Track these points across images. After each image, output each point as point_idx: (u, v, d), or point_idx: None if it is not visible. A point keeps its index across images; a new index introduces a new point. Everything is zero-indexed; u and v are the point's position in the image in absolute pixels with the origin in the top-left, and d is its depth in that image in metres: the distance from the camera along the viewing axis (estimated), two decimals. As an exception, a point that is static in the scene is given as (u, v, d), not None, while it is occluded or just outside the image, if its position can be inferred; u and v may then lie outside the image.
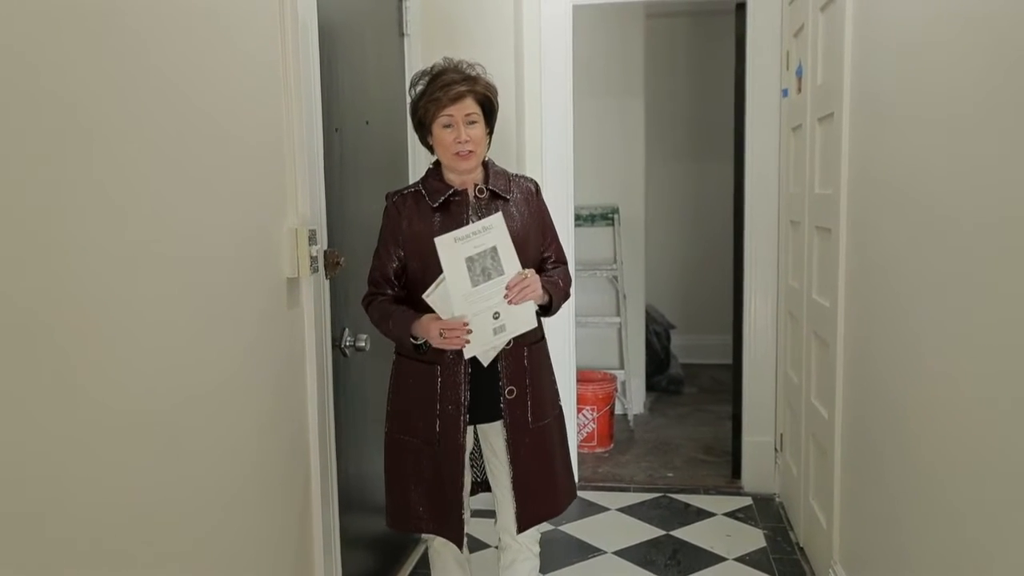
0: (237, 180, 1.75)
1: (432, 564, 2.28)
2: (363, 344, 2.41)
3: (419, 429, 2.08)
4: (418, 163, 3.00)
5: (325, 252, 2.20)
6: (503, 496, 2.12)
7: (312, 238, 2.06)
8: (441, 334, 1.95)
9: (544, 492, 2.13)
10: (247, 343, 1.81)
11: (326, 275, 2.21)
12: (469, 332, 1.93)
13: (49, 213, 1.18)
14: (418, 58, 3.04)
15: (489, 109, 2.07)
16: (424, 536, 2.38)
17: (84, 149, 1.25)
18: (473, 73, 2.05)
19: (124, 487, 1.36)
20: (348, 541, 2.42)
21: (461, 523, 2.08)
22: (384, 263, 2.13)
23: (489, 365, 2.05)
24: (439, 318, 1.97)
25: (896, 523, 2.00)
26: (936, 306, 1.73)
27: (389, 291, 2.13)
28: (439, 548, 2.22)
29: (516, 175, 2.19)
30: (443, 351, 2.02)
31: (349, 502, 2.44)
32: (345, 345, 2.38)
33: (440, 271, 1.95)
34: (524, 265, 2.02)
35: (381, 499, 2.73)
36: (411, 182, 2.51)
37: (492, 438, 2.12)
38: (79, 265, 1.25)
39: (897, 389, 2.01)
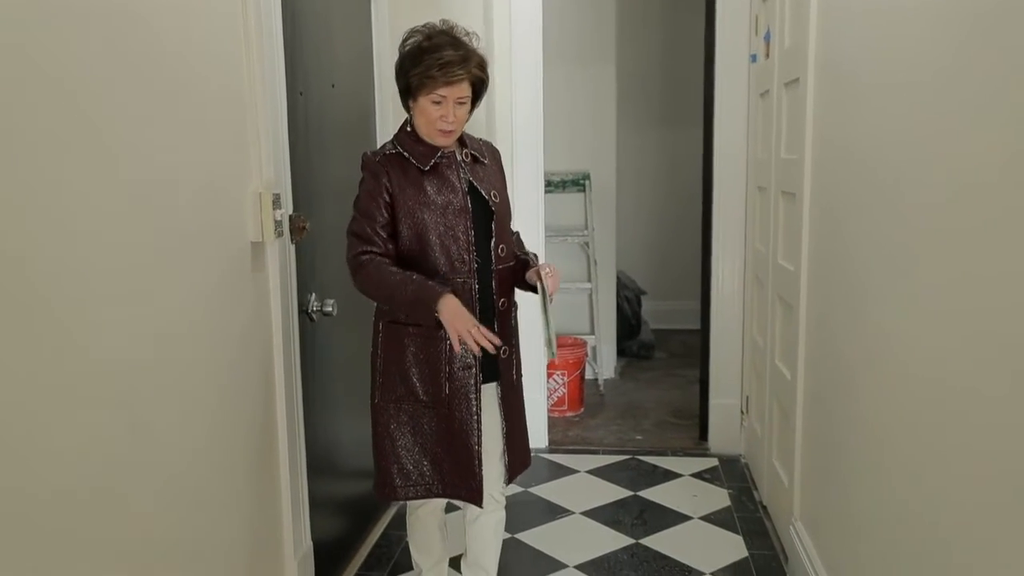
0: (198, 140, 1.73)
1: (412, 532, 2.26)
2: (330, 309, 2.41)
3: (421, 393, 2.04)
4: (386, 128, 2.98)
5: (291, 217, 2.19)
6: (487, 456, 2.12)
7: (276, 202, 2.05)
8: (468, 332, 1.89)
9: (522, 444, 2.22)
10: (211, 306, 1.81)
11: (292, 240, 2.20)
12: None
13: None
14: (385, 23, 3.00)
15: (480, 88, 2.05)
16: (402, 504, 2.35)
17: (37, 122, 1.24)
18: (470, 47, 2.00)
19: (83, 436, 1.37)
20: (317, 505, 2.44)
21: (480, 482, 2.04)
22: (373, 217, 2.01)
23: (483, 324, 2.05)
24: (469, 320, 1.90)
25: (851, 481, 2.05)
26: (887, 270, 1.77)
27: (380, 247, 2.01)
28: (423, 516, 2.22)
29: (477, 138, 2.20)
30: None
31: (318, 467, 2.45)
32: (312, 310, 2.38)
33: (432, 238, 1.99)
34: (499, 226, 2.09)
35: (350, 464, 2.76)
36: (379, 147, 2.50)
37: (486, 402, 2.11)
38: (39, 226, 1.24)
39: (851, 350, 2.06)
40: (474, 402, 2.02)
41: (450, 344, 1.99)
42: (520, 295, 2.22)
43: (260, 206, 2.00)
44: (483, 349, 1.98)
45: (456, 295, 1.98)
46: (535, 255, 2.22)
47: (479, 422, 2.02)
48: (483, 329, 1.91)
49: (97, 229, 1.39)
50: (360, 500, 2.86)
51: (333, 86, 2.63)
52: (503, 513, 2.22)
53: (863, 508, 1.95)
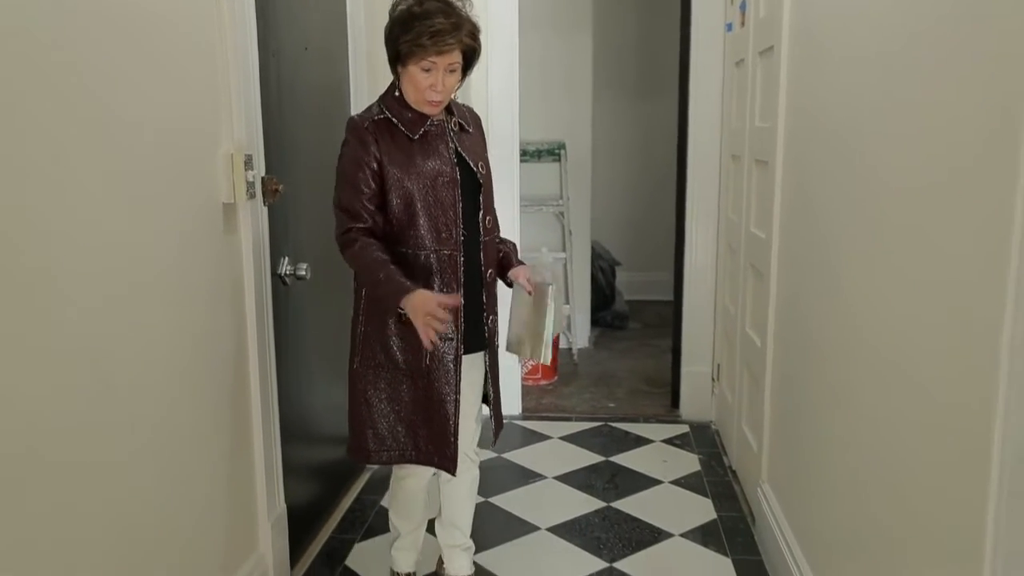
0: (167, 90, 1.71)
1: (395, 498, 2.27)
2: (304, 273, 2.40)
3: (401, 362, 2.03)
4: (360, 94, 2.96)
5: (263, 179, 2.18)
6: (463, 418, 2.14)
7: (248, 163, 2.03)
8: (431, 314, 1.87)
9: (500, 405, 2.25)
10: (183, 266, 1.80)
11: (264, 202, 2.19)
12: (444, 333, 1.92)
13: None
14: (359, -16, 2.97)
15: (471, 56, 2.01)
16: (382, 468, 2.35)
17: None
18: (463, 13, 1.96)
19: (50, 394, 1.36)
20: (291, 470, 2.45)
21: (455, 452, 2.05)
22: (360, 189, 1.97)
23: (470, 296, 2.07)
24: (430, 298, 1.89)
25: (818, 444, 2.10)
26: (855, 237, 1.79)
27: (368, 221, 1.98)
28: (410, 485, 2.22)
29: (462, 105, 2.19)
30: (431, 285, 1.99)
31: (292, 432, 2.46)
32: (285, 274, 2.37)
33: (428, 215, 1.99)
34: (486, 197, 2.10)
35: (324, 429, 2.77)
36: (353, 112, 2.48)
37: (466, 365, 2.12)
38: (12, 185, 1.22)
39: (819, 317, 2.09)
40: (453, 373, 2.03)
41: None
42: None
43: (232, 167, 1.99)
44: (465, 319, 2.01)
45: (442, 266, 1.99)
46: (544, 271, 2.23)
47: (458, 392, 2.03)
48: (441, 298, 1.90)
49: (63, 175, 1.37)
50: (334, 465, 2.88)
51: (306, 49, 2.60)
52: (477, 472, 2.25)
53: (829, 470, 2.00)
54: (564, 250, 4.85)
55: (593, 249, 5.21)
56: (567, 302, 4.87)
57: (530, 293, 2.16)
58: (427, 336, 1.88)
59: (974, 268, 1.24)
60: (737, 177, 3.25)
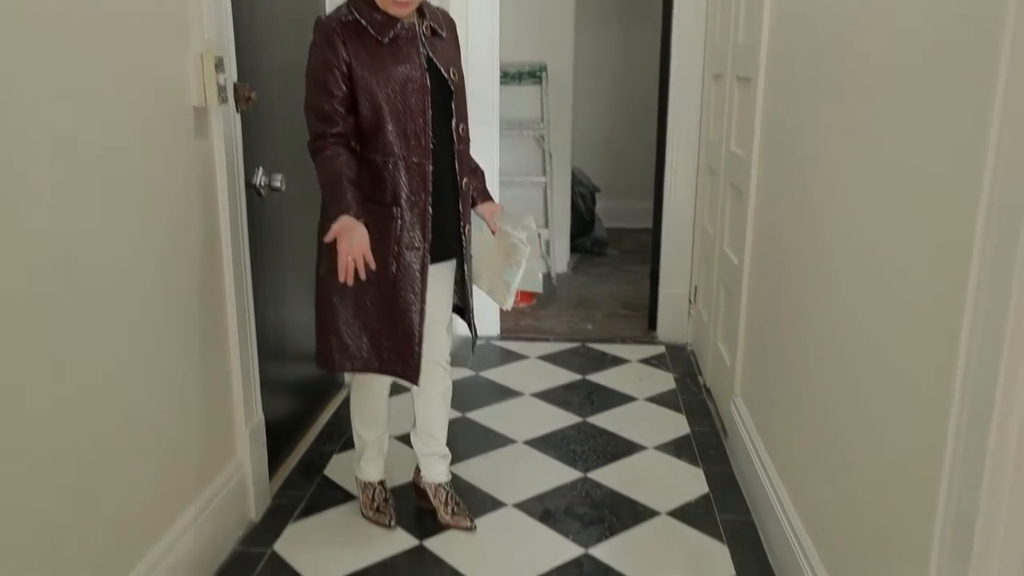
0: (132, -9, 1.65)
1: (359, 404, 2.27)
2: (279, 184, 2.37)
3: (368, 270, 1.98)
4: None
5: (235, 85, 2.12)
6: (433, 329, 2.14)
7: (219, 66, 1.98)
8: (352, 258, 1.86)
9: (473, 316, 2.25)
10: (154, 170, 1.77)
11: (236, 108, 2.14)
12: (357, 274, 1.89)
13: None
14: None
15: None
16: (349, 378, 2.36)
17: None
18: None
19: (25, 301, 1.35)
20: (269, 385, 2.46)
21: (419, 361, 2.05)
22: (330, 92, 1.91)
23: (443, 205, 2.05)
24: (360, 246, 1.87)
25: (789, 358, 2.13)
26: (830, 148, 1.79)
27: (340, 125, 1.93)
28: (373, 390, 2.23)
29: (436, 7, 2.13)
30: (399, 193, 1.97)
31: (269, 347, 2.46)
32: (260, 185, 2.33)
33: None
34: (459, 104, 2.06)
35: (303, 345, 2.77)
36: (333, 12, 2.40)
37: (435, 276, 2.11)
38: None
39: (793, 232, 2.10)
40: (419, 282, 2.01)
41: (399, 224, 1.98)
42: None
43: (202, 68, 1.93)
44: (437, 229, 2.01)
45: (410, 175, 1.96)
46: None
47: (423, 302, 2.02)
48: (369, 257, 1.88)
49: (14, 69, 1.33)
50: (312, 381, 2.89)
51: (278, -50, 2.51)
52: (450, 381, 2.26)
53: (799, 384, 2.03)
54: (544, 174, 4.82)
55: (573, 175, 5.18)
56: (546, 225, 4.86)
57: (493, 233, 2.17)
58: (343, 271, 1.87)
59: (947, 189, 1.24)
60: (719, 96, 3.22)
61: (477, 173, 2.22)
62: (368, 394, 2.25)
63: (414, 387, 2.21)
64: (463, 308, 2.24)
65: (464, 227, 2.12)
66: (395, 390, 2.32)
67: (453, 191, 2.08)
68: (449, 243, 2.10)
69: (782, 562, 2.04)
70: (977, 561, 1.14)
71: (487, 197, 2.22)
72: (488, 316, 3.81)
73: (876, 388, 1.52)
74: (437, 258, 2.08)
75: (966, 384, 1.17)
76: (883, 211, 1.50)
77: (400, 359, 2.05)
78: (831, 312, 1.80)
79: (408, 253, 1.99)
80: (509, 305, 2.18)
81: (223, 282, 2.13)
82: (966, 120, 1.18)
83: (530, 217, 2.21)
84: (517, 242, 2.14)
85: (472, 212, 2.18)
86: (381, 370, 2.09)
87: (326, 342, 2.08)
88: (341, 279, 1.88)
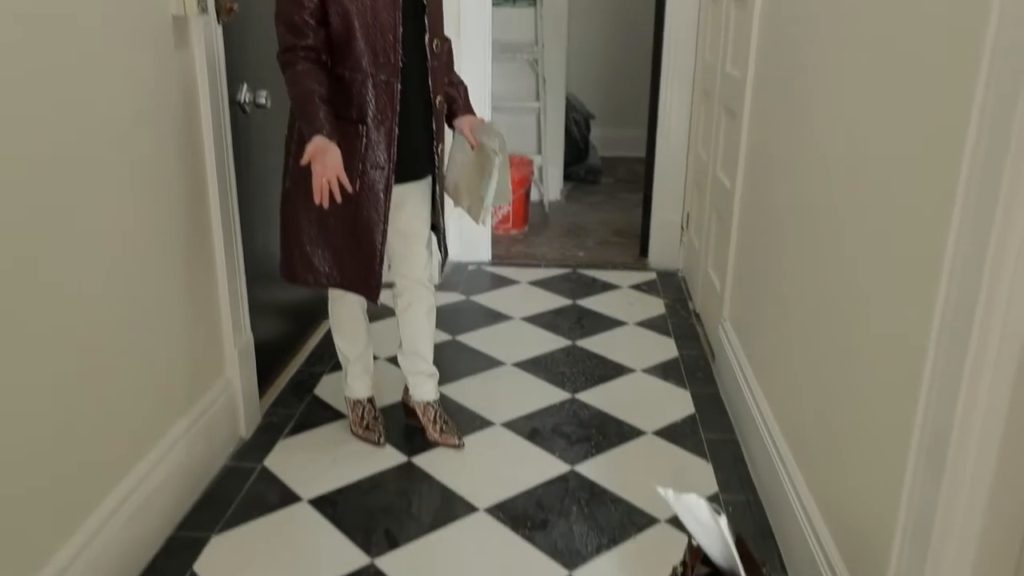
0: None
1: (337, 321, 2.27)
2: (263, 101, 2.32)
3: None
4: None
5: (216, -5, 2.06)
6: (411, 247, 2.14)
7: (198, -27, 1.92)
8: (327, 180, 1.84)
9: (445, 236, 2.25)
10: (134, 82, 1.73)
11: (218, 20, 2.08)
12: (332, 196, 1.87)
13: None
14: None
15: None
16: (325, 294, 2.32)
17: None
18: None
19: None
20: (258, 307, 2.46)
21: (379, 281, 2.05)
22: (301, 1, 1.86)
23: (415, 123, 2.02)
24: (334, 168, 1.84)
25: (777, 282, 2.12)
26: (821, 66, 1.75)
27: (310, 38, 1.88)
28: (348, 304, 2.23)
29: None
30: (365, 111, 1.93)
31: (258, 269, 2.45)
32: (244, 102, 2.29)
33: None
34: (433, 20, 2.00)
35: (291, 264, 2.76)
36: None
37: (409, 194, 2.10)
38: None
39: (785, 151, 2.08)
40: (382, 202, 1.99)
41: (365, 142, 1.95)
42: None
43: (180, -25, 1.87)
44: (410, 146, 1.98)
45: (377, 93, 1.92)
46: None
47: (386, 221, 2.01)
48: (340, 179, 1.86)
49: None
50: (302, 303, 2.89)
51: None
52: (433, 300, 2.26)
53: (787, 306, 2.04)
54: (537, 99, 4.75)
55: (568, 101, 5.10)
56: (539, 151, 4.81)
57: (472, 147, 2.13)
58: (318, 193, 1.85)
59: (938, 109, 1.22)
60: (715, 17, 3.15)
61: (458, 88, 2.17)
62: (343, 308, 2.24)
63: (400, 304, 2.22)
64: (434, 227, 2.22)
65: (437, 146, 2.10)
66: (385, 313, 2.33)
67: (426, 109, 2.05)
68: (421, 162, 2.08)
69: (764, 478, 2.08)
70: (950, 474, 1.15)
71: (468, 111, 2.18)
72: (480, 243, 3.80)
73: (860, 309, 1.52)
74: (408, 177, 2.06)
75: (946, 309, 1.17)
76: (879, 130, 1.47)
77: (361, 277, 2.05)
78: (817, 233, 1.79)
79: (372, 172, 1.97)
80: (486, 221, 2.16)
81: (208, 201, 2.11)
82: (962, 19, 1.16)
83: (495, 124, 2.16)
84: (489, 152, 2.10)
85: (451, 128, 2.15)
86: (342, 286, 2.09)
87: (289, 255, 2.08)
88: (316, 201, 1.87)
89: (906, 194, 1.34)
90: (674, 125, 3.66)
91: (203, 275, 2.10)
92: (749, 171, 2.55)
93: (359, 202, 1.98)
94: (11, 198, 1.35)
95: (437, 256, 2.26)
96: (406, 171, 2.04)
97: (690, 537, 1.53)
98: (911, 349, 1.27)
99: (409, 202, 2.07)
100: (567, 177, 5.25)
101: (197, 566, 1.81)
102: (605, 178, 5.48)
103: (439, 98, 2.07)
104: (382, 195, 1.98)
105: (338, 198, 1.87)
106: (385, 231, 2.01)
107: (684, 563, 1.53)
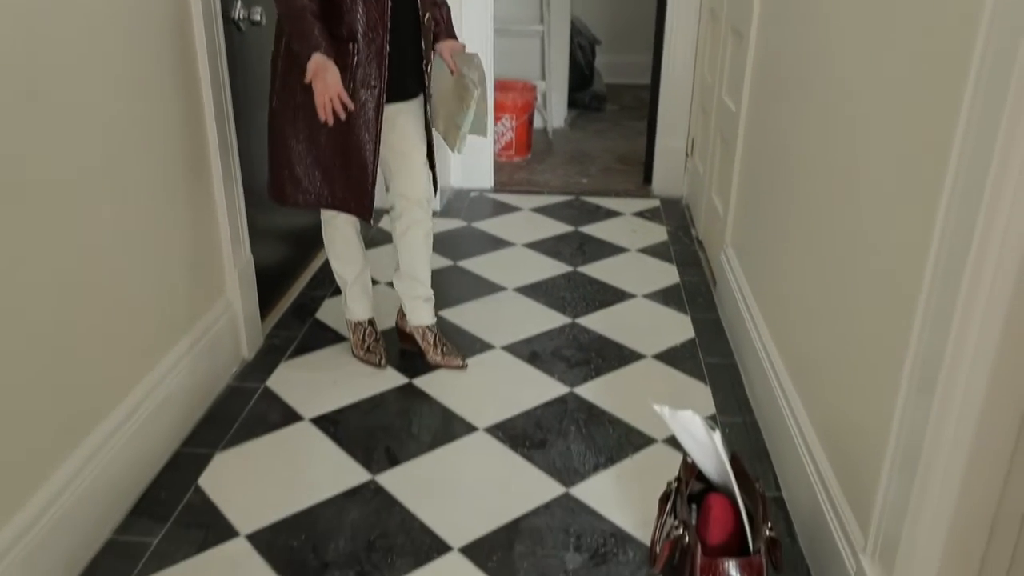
0: None
1: (331, 243, 2.26)
2: (258, 18, 2.27)
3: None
4: None
5: (207, -97, 2.00)
6: (408, 165, 2.12)
7: None
8: (330, 98, 1.85)
9: (433, 154, 2.21)
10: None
11: (209, -69, 2.02)
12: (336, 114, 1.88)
13: None
14: None
15: None
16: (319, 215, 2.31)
17: None
18: None
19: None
20: (259, 231, 2.45)
21: (371, 200, 2.03)
22: None
23: (402, 43, 1.98)
24: (335, 86, 1.85)
25: (778, 204, 2.10)
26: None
27: None
28: (340, 225, 2.22)
29: None
30: (355, 29, 1.89)
31: (257, 192, 2.42)
32: (239, 18, 2.24)
33: None
34: None
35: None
36: None
37: (400, 113, 2.07)
38: None
39: (789, 72, 2.03)
40: (373, 122, 1.97)
41: (355, 60, 1.92)
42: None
43: None
44: (400, 65, 1.96)
45: (367, 8, 1.88)
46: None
47: (377, 141, 1.98)
48: (342, 97, 1.87)
49: None
50: (303, 228, 2.88)
51: None
52: (431, 222, 2.24)
53: (786, 228, 2.02)
54: (541, 22, 4.64)
55: (573, 25, 4.98)
56: (543, 77, 4.72)
57: (452, 72, 2.09)
58: (323, 111, 1.87)
59: (946, 27, 1.18)
60: (724, -67, 3.04)
61: (441, 8, 2.12)
62: (336, 230, 2.23)
63: (395, 231, 2.21)
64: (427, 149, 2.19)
65: (426, 65, 2.06)
66: (381, 239, 2.31)
67: (415, 27, 2.00)
68: (411, 81, 2.06)
69: (761, 401, 2.10)
70: (940, 398, 1.16)
71: (450, 35, 2.13)
72: (482, 170, 3.77)
73: (862, 235, 1.50)
74: (398, 96, 2.04)
75: (944, 234, 1.15)
76: (886, 50, 1.43)
77: (353, 197, 2.04)
78: (821, 156, 1.76)
79: (363, 91, 1.95)
80: (462, 150, 2.13)
81: (203, 120, 2.08)
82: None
83: (479, 56, 2.11)
84: (469, 83, 2.06)
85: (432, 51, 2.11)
86: (333, 206, 2.07)
87: (278, 175, 2.06)
88: (321, 119, 1.88)
89: (912, 118, 1.31)
90: (680, 49, 3.57)
91: (201, 195, 2.08)
92: (755, 94, 2.51)
93: (350, 122, 1.96)
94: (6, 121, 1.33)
95: (450, 186, 2.23)
96: (397, 90, 2.01)
97: (685, 454, 1.55)
98: (909, 277, 1.27)
99: (401, 120, 2.06)
100: (571, 104, 5.16)
101: (202, 480, 1.84)
102: (610, 105, 5.39)
103: (427, 15, 2.02)
104: (373, 114, 1.96)
105: (342, 116, 1.86)
106: (377, 150, 1.99)
107: (679, 478, 1.56)
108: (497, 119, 4.08)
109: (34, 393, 1.45)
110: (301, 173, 2.02)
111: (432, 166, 2.21)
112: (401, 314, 2.39)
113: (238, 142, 2.25)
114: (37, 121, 1.42)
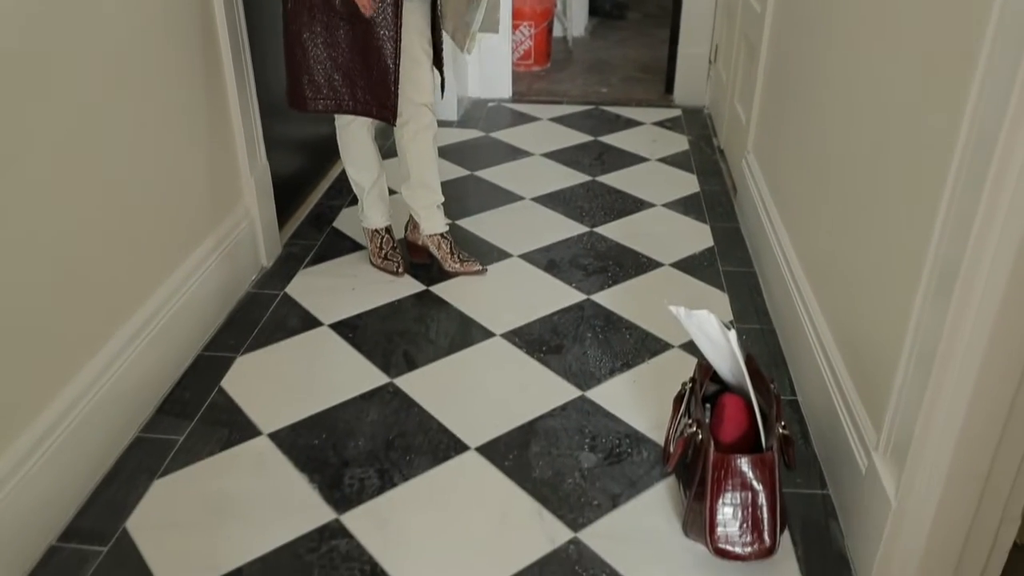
0: None
1: (346, 150, 2.24)
2: (269, -84, 2.20)
3: (339, 4, 1.90)
4: None
5: None
6: (415, 68, 2.07)
7: None
8: None
9: (442, 58, 2.17)
10: None
11: None
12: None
13: None
14: None
15: None
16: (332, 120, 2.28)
17: None
18: None
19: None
20: (275, 141, 2.43)
21: (396, 101, 1.99)
22: None
23: None
24: None
25: (802, 109, 2.05)
26: None
27: None
28: (355, 130, 2.20)
29: None
30: None
31: (272, 103, 2.39)
32: (249, -83, 2.17)
33: None
34: None
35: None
36: None
37: (411, 14, 2.01)
38: None
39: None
40: (392, 18, 1.91)
41: None
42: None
43: None
44: None
45: None
46: None
47: (398, 40, 1.93)
48: None
49: None
50: (320, 138, 2.85)
51: None
52: (437, 125, 2.21)
53: (809, 133, 1.97)
54: (561, -76, 4.47)
55: (594, -74, 4.80)
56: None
57: None
58: (367, 5, 1.83)
59: None
60: None
61: None
62: (351, 136, 2.21)
63: (403, 138, 2.17)
64: (435, 50, 2.14)
65: None
66: (392, 151, 2.29)
67: None
68: None
69: (779, 307, 2.09)
70: (958, 299, 1.15)
71: None
72: (500, 79, 3.70)
73: (884, 140, 1.46)
74: None
75: (968, 138, 1.11)
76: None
77: (375, 99, 2.00)
78: (848, 58, 1.70)
79: None
80: (472, 50, 2.08)
81: (215, 23, 2.04)
82: None
83: None
84: None
85: None
86: (355, 111, 2.04)
87: (296, 80, 2.01)
88: (367, 13, 1.84)
89: (941, 18, 1.25)
90: (706, -51, 3.44)
91: (215, 102, 2.06)
92: (782, -7, 2.42)
93: (371, 20, 1.90)
94: (24, 35, 1.30)
95: (437, 77, 2.19)
96: None
97: (701, 355, 1.55)
98: (930, 183, 1.24)
99: (412, 22, 1.99)
100: (592, 12, 5.03)
101: (224, 382, 1.88)
102: (632, 13, 5.24)
103: None
104: (391, 11, 1.91)
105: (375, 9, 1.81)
106: (398, 49, 1.94)
107: (693, 379, 1.57)
108: (516, 27, 3.98)
109: (62, 293, 1.47)
110: (321, 78, 1.98)
111: (440, 68, 2.16)
112: (412, 225, 2.38)
113: (252, 48, 2.21)
114: (59, 24, 1.40)
